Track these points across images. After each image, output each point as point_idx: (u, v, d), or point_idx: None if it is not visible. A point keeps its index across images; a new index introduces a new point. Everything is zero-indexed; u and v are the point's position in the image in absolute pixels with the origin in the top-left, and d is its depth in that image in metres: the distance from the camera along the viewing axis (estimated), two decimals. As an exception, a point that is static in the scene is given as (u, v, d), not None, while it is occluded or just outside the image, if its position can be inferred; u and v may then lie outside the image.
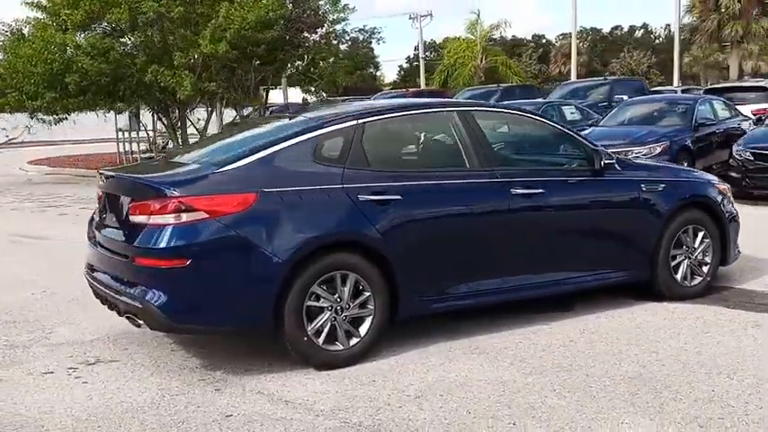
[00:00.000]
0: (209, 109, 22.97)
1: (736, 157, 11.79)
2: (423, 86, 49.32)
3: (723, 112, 14.83)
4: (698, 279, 6.36)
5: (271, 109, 26.37)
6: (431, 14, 48.14)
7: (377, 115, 5.35)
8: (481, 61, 40.62)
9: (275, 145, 4.95)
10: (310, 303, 4.77)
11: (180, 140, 22.15)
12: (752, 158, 11.55)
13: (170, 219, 4.55)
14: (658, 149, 12.38)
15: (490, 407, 4.23)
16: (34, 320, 6.29)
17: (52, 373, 5.02)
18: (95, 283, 5.22)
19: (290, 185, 4.79)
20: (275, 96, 31.67)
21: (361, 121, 5.18)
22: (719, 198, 6.50)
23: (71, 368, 5.09)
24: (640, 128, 13.48)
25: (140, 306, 4.61)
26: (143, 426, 4.14)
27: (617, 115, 14.76)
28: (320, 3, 22.28)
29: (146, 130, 24.75)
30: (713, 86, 20.32)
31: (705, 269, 6.39)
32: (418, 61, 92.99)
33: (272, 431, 4.02)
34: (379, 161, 5.21)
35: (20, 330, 6.02)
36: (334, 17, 22.52)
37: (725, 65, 69.36)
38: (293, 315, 4.71)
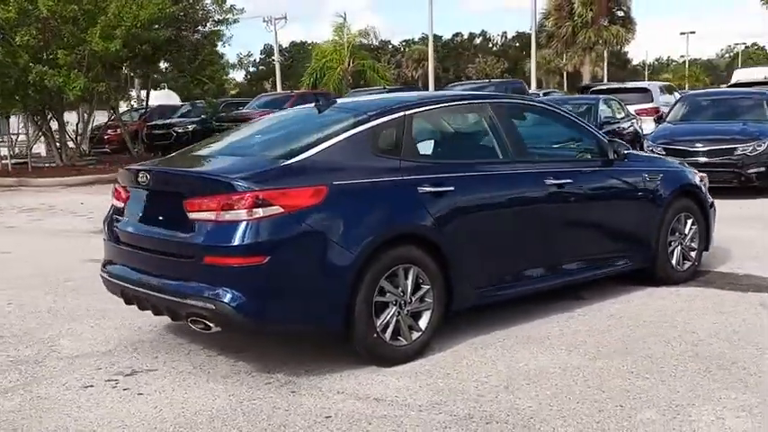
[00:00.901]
0: (89, 110, 21.86)
1: (648, 152, 12.48)
2: (279, 89, 48.98)
3: (619, 112, 15.70)
4: (687, 264, 6.71)
5: (146, 110, 25.38)
6: (285, 17, 47.72)
7: (421, 106, 5.30)
8: (349, 65, 40.83)
9: (335, 136, 4.78)
10: (378, 299, 4.65)
11: (58, 143, 20.93)
12: (664, 153, 12.26)
13: (244, 214, 4.29)
14: None
15: (585, 392, 4.27)
16: (23, 334, 5.75)
17: (92, 386, 4.62)
18: (130, 286, 4.85)
19: (355, 177, 4.65)
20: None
21: (408, 112, 5.10)
22: (702, 186, 6.89)
23: (110, 380, 4.70)
24: None
25: (213, 308, 4.32)
26: (243, 433, 3.90)
27: None
28: (206, 2, 21.72)
29: (9, 134, 23.22)
30: (598, 87, 21.41)
31: (693, 254, 6.75)
32: (265, 65, 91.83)
33: (384, 429, 3.88)
34: (429, 152, 5.16)
35: (16, 345, 5.49)
36: (220, 17, 22.00)
37: (564, 70, 73.65)
38: (364, 311, 4.57)
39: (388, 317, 4.70)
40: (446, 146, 5.53)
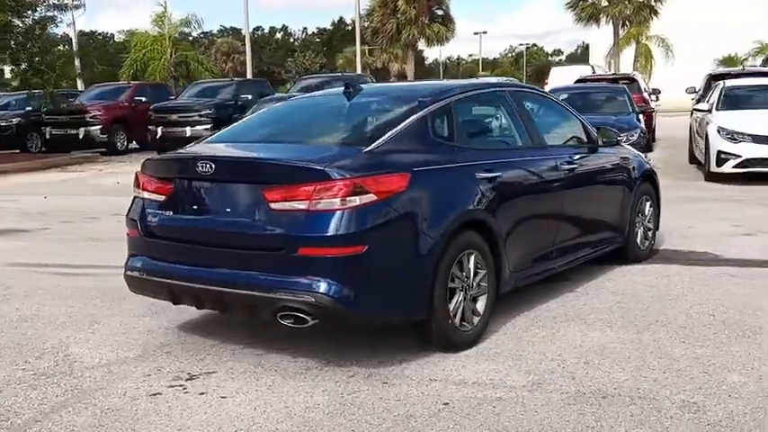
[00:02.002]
0: None
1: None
2: (78, 81, 46.26)
3: None
4: (647, 243, 7.23)
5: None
6: (84, 5, 44.89)
7: (463, 93, 5.35)
8: (171, 56, 39.26)
9: (399, 122, 4.73)
10: (450, 285, 4.65)
11: None
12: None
13: (340, 203, 4.15)
14: None
15: (662, 362, 4.50)
16: (17, 345, 5.19)
17: (159, 394, 4.27)
18: (184, 283, 4.54)
19: (428, 164, 4.63)
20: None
21: (453, 98, 5.14)
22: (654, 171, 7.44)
23: (173, 386, 4.36)
24: None
25: (313, 300, 4.14)
26: (374, 426, 3.78)
27: None
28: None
29: None
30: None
31: (650, 234, 7.28)
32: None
33: (512, 410, 3.91)
34: (474, 138, 5.25)
35: (21, 356, 4.95)
36: (57, 2, 20.54)
37: (374, 66, 75.54)
38: (441, 297, 4.57)
39: (457, 302, 4.73)
40: (485, 132, 5.62)
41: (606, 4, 38.11)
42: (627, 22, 39.09)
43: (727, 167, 12.44)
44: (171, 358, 4.82)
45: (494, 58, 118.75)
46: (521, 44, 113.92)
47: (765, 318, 5.33)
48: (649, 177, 7.21)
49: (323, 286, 4.15)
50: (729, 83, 14.93)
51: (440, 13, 42.02)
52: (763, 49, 41.49)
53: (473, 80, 9.57)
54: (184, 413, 3.99)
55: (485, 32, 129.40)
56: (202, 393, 4.25)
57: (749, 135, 12.40)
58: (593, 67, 32.88)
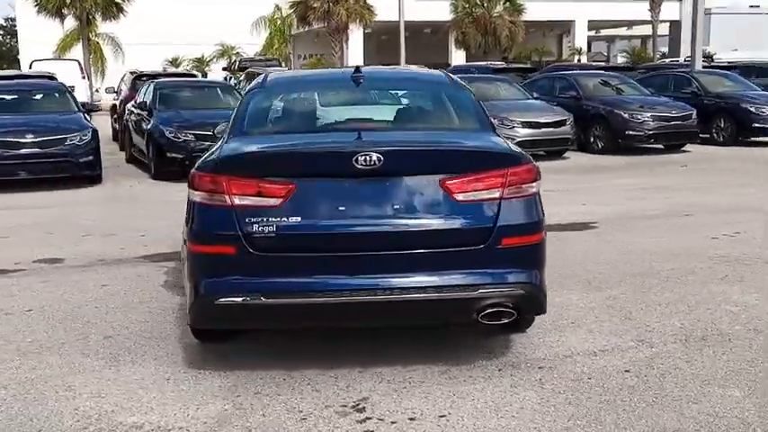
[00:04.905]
0: None
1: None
2: None
3: None
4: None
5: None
6: None
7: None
8: None
9: (474, 107, 4.72)
10: None
11: None
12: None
13: (528, 188, 4.00)
14: None
15: (666, 311, 5.21)
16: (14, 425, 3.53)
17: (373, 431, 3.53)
18: (346, 299, 3.79)
19: None
20: None
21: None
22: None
23: (362, 421, 3.67)
24: None
25: (523, 293, 3.91)
26: (614, 403, 3.81)
27: None
28: None
29: None
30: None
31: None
32: None
33: (684, 364, 4.25)
34: None
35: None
36: None
37: None
38: None
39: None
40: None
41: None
42: (92, 18, 37.88)
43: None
44: (275, 399, 3.89)
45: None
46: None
47: (665, 264, 6.34)
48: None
49: (528, 276, 3.97)
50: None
51: None
52: (225, 52, 44.26)
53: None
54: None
55: None
56: (412, 419, 3.69)
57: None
58: (78, 62, 31.20)
